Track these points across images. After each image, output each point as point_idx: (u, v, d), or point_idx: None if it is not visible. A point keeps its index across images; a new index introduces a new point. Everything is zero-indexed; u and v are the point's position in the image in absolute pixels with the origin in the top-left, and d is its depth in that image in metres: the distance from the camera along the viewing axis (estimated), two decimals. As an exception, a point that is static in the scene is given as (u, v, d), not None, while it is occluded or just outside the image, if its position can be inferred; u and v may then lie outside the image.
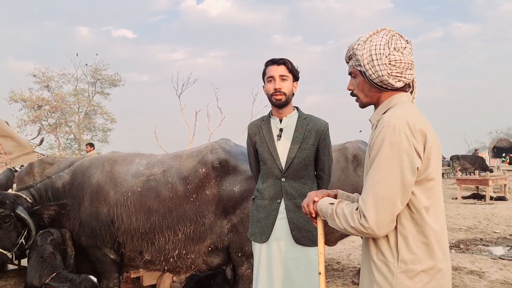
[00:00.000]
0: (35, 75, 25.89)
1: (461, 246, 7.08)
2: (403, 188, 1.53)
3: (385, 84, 1.69)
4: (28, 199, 3.59)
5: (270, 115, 2.83)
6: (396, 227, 1.60)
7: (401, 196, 1.54)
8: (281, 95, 2.67)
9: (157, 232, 3.54)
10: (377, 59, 1.66)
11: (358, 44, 1.73)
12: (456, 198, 13.84)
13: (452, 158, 26.48)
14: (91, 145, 11.34)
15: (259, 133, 2.79)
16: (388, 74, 1.66)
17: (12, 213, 3.37)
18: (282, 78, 2.67)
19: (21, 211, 3.41)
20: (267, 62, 2.74)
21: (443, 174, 27.09)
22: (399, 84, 1.69)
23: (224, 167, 3.68)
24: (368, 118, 1.85)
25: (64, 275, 3.14)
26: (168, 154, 4.11)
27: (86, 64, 27.20)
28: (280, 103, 2.69)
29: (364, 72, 1.72)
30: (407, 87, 1.78)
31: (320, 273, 1.85)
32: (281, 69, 2.68)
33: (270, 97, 2.72)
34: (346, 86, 1.87)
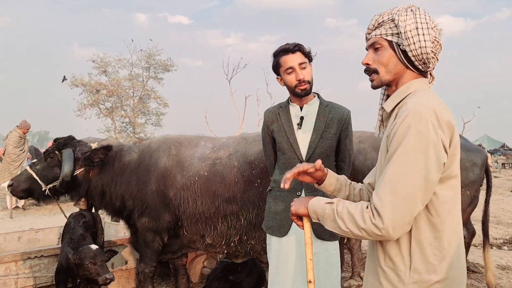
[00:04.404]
0: (94, 61, 26.95)
1: (515, 243, 6.60)
2: (426, 185, 1.35)
3: (421, 60, 1.48)
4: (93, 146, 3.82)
5: (289, 101, 2.69)
6: (410, 231, 1.41)
7: (423, 195, 1.35)
8: (306, 84, 2.53)
9: (221, 216, 3.55)
10: (422, 28, 1.45)
11: (398, 10, 1.52)
12: (516, 191, 12.95)
13: (516, 147, 24.73)
14: None
15: (277, 121, 2.66)
16: (431, 49, 1.47)
17: (56, 151, 3.69)
18: (301, 66, 2.51)
19: (66, 153, 3.69)
20: (278, 52, 2.56)
21: (504, 164, 25.39)
22: (429, 66, 1.51)
23: None
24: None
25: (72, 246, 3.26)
26: (233, 137, 4.09)
27: (141, 50, 27.92)
28: (306, 93, 2.55)
29: (397, 44, 1.51)
30: (427, 74, 1.58)
31: (310, 282, 1.68)
32: (298, 57, 2.51)
33: (293, 88, 2.56)
34: None
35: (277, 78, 2.64)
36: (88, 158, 3.67)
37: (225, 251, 3.72)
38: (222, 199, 3.52)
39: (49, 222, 8.23)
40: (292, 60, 2.51)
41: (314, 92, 2.67)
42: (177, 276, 4.10)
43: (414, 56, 1.48)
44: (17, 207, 10.20)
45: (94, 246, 3.15)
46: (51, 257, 3.55)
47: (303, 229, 1.75)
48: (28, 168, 3.78)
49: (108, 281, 3.04)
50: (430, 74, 1.60)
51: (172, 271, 4.33)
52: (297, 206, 1.72)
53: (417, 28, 1.46)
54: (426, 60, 1.48)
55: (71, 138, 3.87)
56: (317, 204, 1.59)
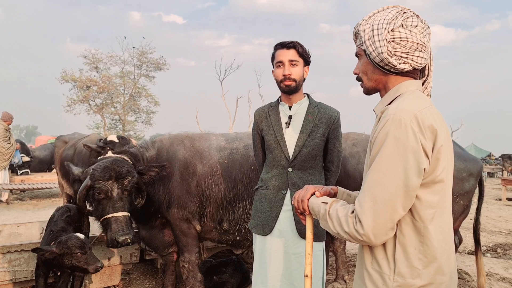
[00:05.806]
0: (85, 56, 26.73)
1: (498, 250, 6.66)
2: (406, 191, 1.34)
3: (386, 64, 1.50)
4: (130, 161, 3.63)
5: (279, 101, 2.70)
6: (395, 234, 1.41)
7: (403, 200, 1.35)
8: (291, 81, 2.54)
9: (239, 200, 3.75)
10: (377, 34, 1.48)
11: (363, 20, 1.56)
12: (500, 199, 13.12)
13: (503, 156, 25.03)
14: None
15: (267, 119, 2.67)
16: (389, 52, 1.47)
17: (136, 179, 3.42)
18: (292, 63, 2.53)
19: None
20: (276, 46, 2.59)
21: (490, 173, 25.73)
22: (404, 67, 1.49)
23: None
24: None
25: (51, 238, 3.22)
26: (242, 132, 4.37)
27: (134, 47, 27.78)
28: (289, 90, 2.56)
29: (365, 50, 1.55)
30: (417, 74, 1.58)
31: (307, 276, 1.71)
32: (291, 54, 2.53)
33: (279, 83, 2.59)
34: None
35: (272, 71, 2.66)
36: (141, 173, 3.52)
37: (237, 238, 3.86)
38: (241, 184, 3.77)
39: (32, 217, 8.13)
40: (284, 55, 2.54)
41: (304, 93, 2.68)
42: (166, 272, 4.06)
43: (376, 62, 1.52)
44: (0, 201, 10.05)
45: (80, 235, 3.11)
46: (32, 252, 3.48)
47: (305, 224, 1.77)
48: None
49: (99, 270, 3.02)
50: (427, 74, 1.60)
51: (161, 267, 4.29)
52: (299, 199, 1.72)
53: (373, 36, 1.49)
54: (387, 62, 1.49)
55: (128, 162, 3.59)
56: (315, 202, 1.62)
